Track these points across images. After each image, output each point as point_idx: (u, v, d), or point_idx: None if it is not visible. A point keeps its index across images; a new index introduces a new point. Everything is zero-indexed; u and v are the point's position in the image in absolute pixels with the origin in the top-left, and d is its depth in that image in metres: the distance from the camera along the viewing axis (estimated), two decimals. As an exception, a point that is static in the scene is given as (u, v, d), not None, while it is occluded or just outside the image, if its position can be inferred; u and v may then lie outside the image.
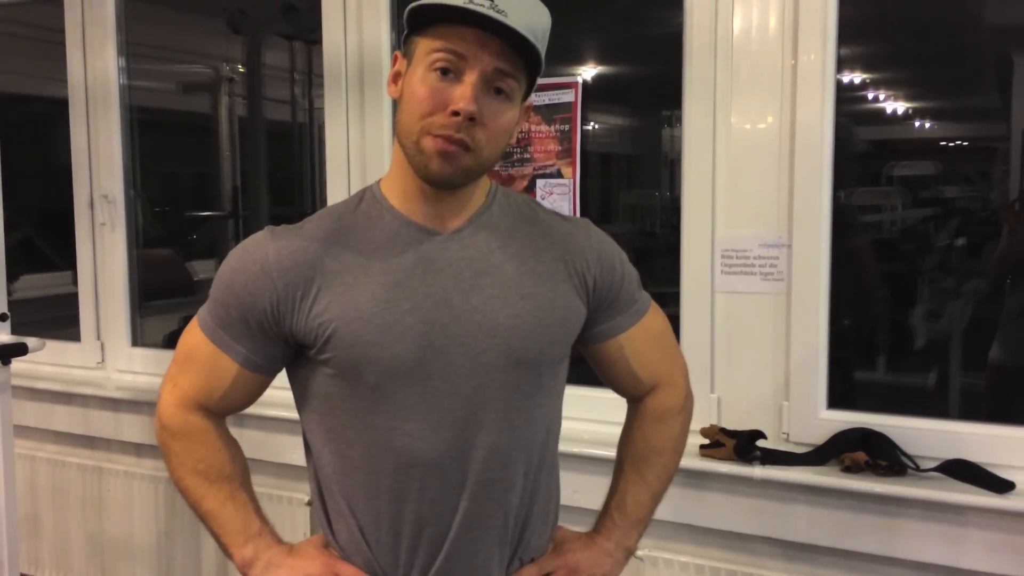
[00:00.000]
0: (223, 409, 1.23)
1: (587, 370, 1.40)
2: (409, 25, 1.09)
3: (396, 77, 1.13)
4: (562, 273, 1.19)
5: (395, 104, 1.17)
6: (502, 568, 1.19)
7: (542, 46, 1.09)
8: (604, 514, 1.33)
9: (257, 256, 1.13)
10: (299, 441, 1.28)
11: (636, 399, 1.34)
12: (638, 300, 1.29)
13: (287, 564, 1.17)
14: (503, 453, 1.15)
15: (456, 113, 1.05)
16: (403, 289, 1.11)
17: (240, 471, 1.22)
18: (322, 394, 1.15)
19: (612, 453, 1.37)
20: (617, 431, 1.38)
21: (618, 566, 1.31)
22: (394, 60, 1.14)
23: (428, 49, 1.07)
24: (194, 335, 1.20)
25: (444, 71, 1.06)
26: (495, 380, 1.13)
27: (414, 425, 1.12)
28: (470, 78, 1.05)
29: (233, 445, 1.24)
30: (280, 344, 1.15)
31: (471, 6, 1.02)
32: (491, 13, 1.02)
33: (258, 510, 1.21)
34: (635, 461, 1.32)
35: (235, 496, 1.20)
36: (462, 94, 1.05)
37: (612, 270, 1.24)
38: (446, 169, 1.08)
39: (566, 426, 1.29)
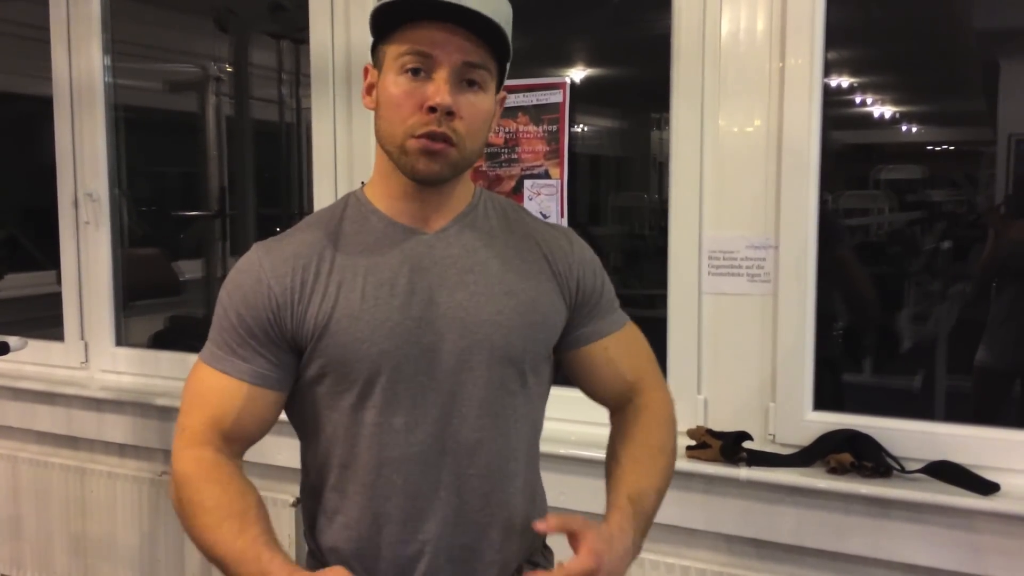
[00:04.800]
0: (238, 435, 1.16)
1: (573, 370, 1.40)
2: (374, 33, 1.11)
3: (370, 88, 1.16)
4: (546, 272, 1.21)
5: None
6: (495, 564, 1.19)
7: (507, 32, 1.10)
8: (612, 501, 1.18)
9: (252, 270, 1.14)
10: (284, 442, 1.28)
11: (621, 406, 1.30)
12: (618, 310, 1.31)
13: None
14: (487, 450, 1.15)
15: (433, 109, 1.07)
16: (391, 287, 1.13)
17: (254, 504, 1.12)
18: (312, 392, 1.16)
19: (599, 454, 1.34)
20: (604, 432, 1.36)
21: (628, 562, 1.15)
22: (365, 73, 1.17)
23: (395, 54, 1.09)
24: (197, 374, 1.17)
25: (415, 71, 1.08)
26: (479, 377, 1.14)
27: (399, 420, 1.13)
28: (441, 74, 1.08)
29: (245, 481, 1.15)
30: (286, 351, 1.15)
31: None
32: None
33: (269, 543, 1.07)
34: (636, 456, 1.23)
35: (245, 531, 1.07)
36: (436, 90, 1.07)
37: (594, 275, 1.26)
38: (432, 167, 1.10)
39: (552, 427, 1.29)
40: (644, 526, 1.17)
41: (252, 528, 1.07)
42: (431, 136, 1.08)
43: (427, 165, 1.10)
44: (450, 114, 1.07)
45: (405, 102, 1.08)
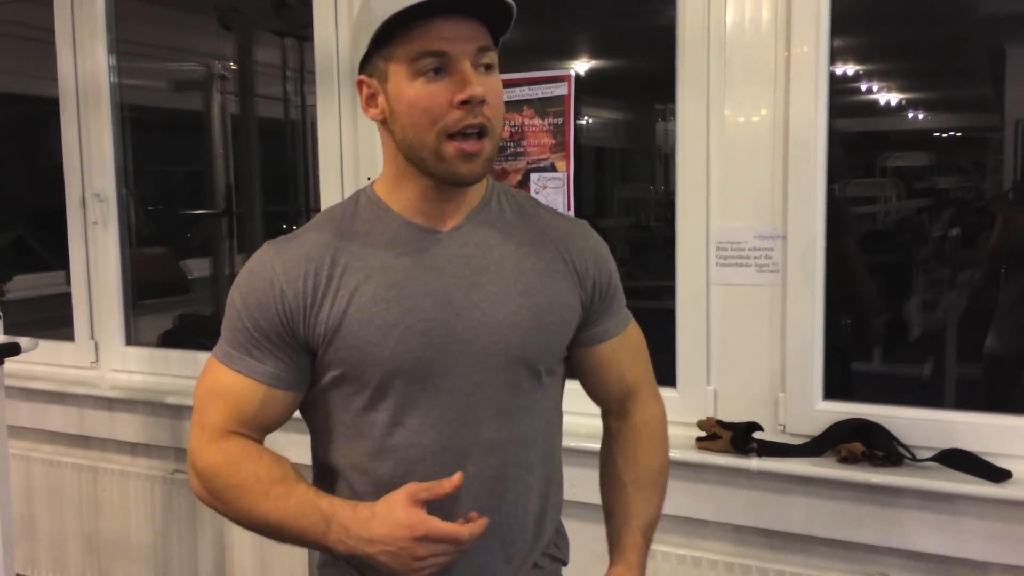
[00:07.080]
0: (256, 428, 1.16)
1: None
2: (376, 42, 1.07)
3: (372, 99, 1.12)
4: (562, 271, 1.19)
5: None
6: (510, 560, 1.19)
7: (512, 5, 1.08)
8: (627, 537, 1.26)
9: (265, 273, 1.13)
10: (294, 439, 1.28)
11: (617, 409, 1.32)
12: (624, 309, 1.30)
13: (374, 533, 1.04)
14: (503, 450, 1.15)
15: (466, 102, 1.05)
16: (404, 288, 1.12)
17: (291, 468, 1.13)
18: (326, 394, 1.16)
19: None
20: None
21: None
22: (360, 85, 1.13)
23: (406, 57, 1.06)
24: (212, 373, 1.16)
25: (436, 71, 1.06)
26: (495, 377, 1.13)
27: (415, 422, 1.12)
28: (463, 66, 1.05)
29: (274, 453, 1.15)
30: (301, 353, 1.14)
31: None
32: None
33: (319, 493, 1.10)
34: (640, 483, 1.29)
35: (293, 491, 1.09)
36: (465, 81, 1.05)
37: (609, 274, 1.25)
38: (474, 168, 1.09)
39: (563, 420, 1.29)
40: (648, 551, 1.27)
41: (299, 486, 1.09)
42: (467, 132, 1.06)
43: (468, 168, 1.08)
44: (483, 101, 1.06)
45: (433, 103, 1.05)
